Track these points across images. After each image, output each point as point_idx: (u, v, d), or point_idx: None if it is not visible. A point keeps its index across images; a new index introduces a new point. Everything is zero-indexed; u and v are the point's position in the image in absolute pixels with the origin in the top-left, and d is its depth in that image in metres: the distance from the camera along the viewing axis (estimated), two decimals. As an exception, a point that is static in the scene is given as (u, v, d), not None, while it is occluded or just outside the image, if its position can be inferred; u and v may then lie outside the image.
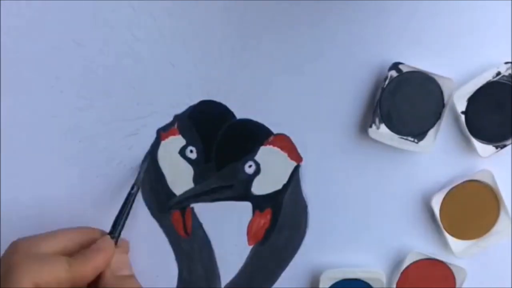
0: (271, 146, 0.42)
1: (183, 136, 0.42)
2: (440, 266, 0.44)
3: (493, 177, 0.43)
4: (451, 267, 0.44)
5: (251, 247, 0.43)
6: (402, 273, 0.44)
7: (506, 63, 0.42)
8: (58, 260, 0.33)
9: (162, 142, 0.42)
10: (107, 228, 0.39)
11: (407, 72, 0.41)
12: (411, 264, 0.44)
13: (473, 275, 0.45)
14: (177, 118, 0.41)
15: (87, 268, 0.34)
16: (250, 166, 0.42)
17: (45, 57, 0.40)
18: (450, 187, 0.44)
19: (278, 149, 0.42)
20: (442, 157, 0.44)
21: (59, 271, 0.33)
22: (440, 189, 0.44)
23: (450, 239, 0.44)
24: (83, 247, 0.36)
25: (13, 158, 0.41)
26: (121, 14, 0.40)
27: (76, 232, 0.37)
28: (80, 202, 0.42)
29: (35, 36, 0.39)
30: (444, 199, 0.44)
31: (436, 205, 0.44)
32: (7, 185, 0.41)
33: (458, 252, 0.44)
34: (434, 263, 0.44)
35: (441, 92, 0.42)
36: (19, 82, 0.40)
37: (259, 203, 0.43)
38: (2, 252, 0.34)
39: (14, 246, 0.34)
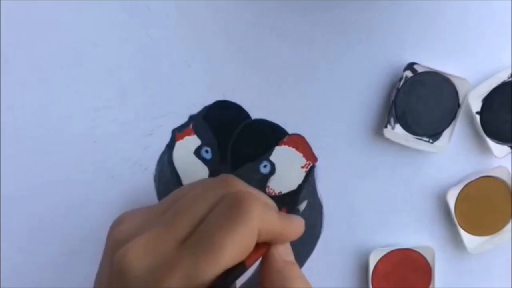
0: (286, 146, 0.42)
1: (198, 136, 0.42)
2: (406, 253, 0.44)
3: (509, 173, 0.43)
4: (418, 250, 0.44)
5: (266, 247, 0.43)
6: (372, 274, 0.44)
7: (521, 63, 0.42)
8: (274, 211, 0.31)
9: (177, 143, 0.42)
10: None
11: (422, 73, 0.41)
12: (378, 262, 0.44)
13: (476, 272, 0.46)
14: (192, 118, 0.41)
15: (292, 227, 0.32)
16: (265, 166, 0.42)
17: (61, 57, 0.40)
18: (466, 182, 0.44)
19: (293, 149, 0.42)
20: (457, 157, 0.44)
21: (276, 221, 0.30)
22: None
23: (464, 234, 0.44)
24: None
25: (27, 158, 0.41)
26: (136, 14, 0.40)
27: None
28: (94, 202, 0.42)
29: (51, 36, 0.39)
30: (459, 194, 0.44)
31: (451, 200, 0.44)
32: (20, 185, 0.41)
33: (472, 248, 0.44)
34: (400, 252, 0.44)
35: (456, 93, 0.42)
36: (34, 82, 0.40)
37: (275, 203, 0.42)
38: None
39: (237, 182, 0.32)
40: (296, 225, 0.33)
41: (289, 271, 0.31)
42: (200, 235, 0.27)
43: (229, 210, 0.28)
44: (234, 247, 0.27)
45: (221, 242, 0.27)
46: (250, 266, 0.31)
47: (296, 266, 0.32)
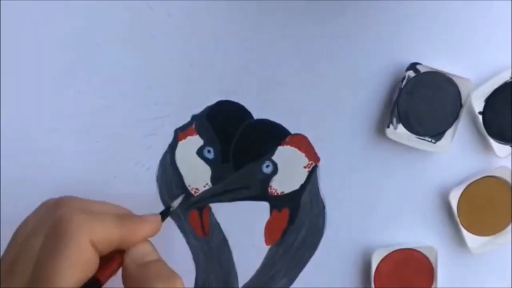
0: (288, 146, 0.42)
1: (201, 136, 0.42)
2: (409, 253, 0.44)
3: (511, 173, 0.43)
4: (420, 250, 0.44)
5: (268, 247, 0.43)
6: (375, 273, 0.44)
7: (523, 63, 0.42)
8: (110, 217, 0.31)
9: (180, 143, 0.42)
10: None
11: (424, 73, 0.41)
12: (380, 262, 0.44)
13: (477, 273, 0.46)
14: (194, 118, 0.41)
15: (136, 231, 0.32)
16: (267, 166, 0.42)
17: (63, 57, 0.40)
18: (468, 182, 0.44)
19: (296, 149, 0.42)
20: (459, 158, 0.44)
21: (111, 227, 0.31)
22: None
23: (467, 234, 0.44)
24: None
25: (28, 158, 0.41)
26: (138, 14, 0.40)
27: (125, 209, 0.35)
28: (97, 202, 0.42)
29: (53, 36, 0.39)
30: (461, 194, 0.44)
31: (453, 200, 0.44)
32: (21, 185, 0.41)
33: (474, 248, 0.44)
34: (402, 252, 0.44)
35: (459, 93, 0.42)
36: (37, 82, 0.40)
37: (277, 203, 0.43)
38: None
39: (63, 203, 0.32)
40: (144, 225, 0.33)
41: (146, 273, 0.31)
42: (35, 273, 0.29)
43: (53, 238, 0.29)
44: (68, 272, 0.28)
45: (53, 271, 0.28)
46: (106, 279, 0.31)
47: (157, 264, 0.32)
